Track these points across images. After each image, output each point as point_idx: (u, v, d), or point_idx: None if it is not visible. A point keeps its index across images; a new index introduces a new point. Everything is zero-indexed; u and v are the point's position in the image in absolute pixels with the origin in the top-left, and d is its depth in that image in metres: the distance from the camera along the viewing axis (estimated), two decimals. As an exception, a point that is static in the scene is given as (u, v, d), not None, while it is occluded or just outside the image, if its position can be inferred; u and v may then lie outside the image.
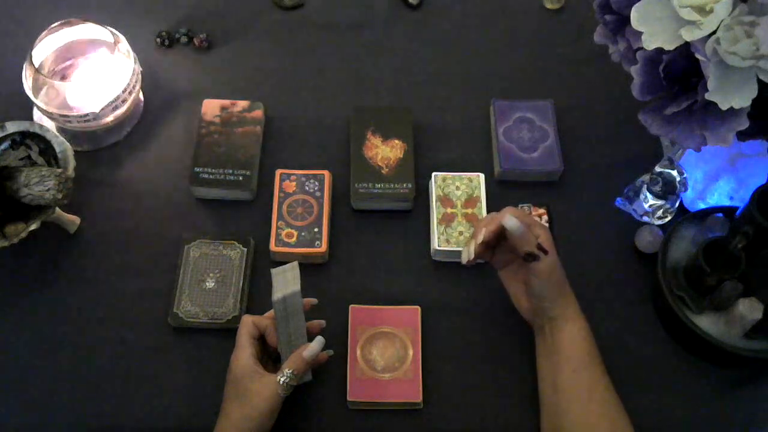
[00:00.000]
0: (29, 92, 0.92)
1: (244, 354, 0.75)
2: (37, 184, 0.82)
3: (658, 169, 0.87)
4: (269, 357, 0.79)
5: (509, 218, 0.74)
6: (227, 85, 1.03)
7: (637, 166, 0.91)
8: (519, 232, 0.74)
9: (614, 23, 0.78)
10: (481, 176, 0.93)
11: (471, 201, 0.91)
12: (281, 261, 0.82)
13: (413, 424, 0.81)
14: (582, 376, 0.75)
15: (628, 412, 0.75)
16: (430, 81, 1.04)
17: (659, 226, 0.89)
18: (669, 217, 0.89)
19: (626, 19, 0.73)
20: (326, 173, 0.93)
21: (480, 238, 0.77)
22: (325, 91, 1.03)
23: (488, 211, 0.90)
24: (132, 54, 0.95)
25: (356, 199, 0.92)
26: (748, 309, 0.76)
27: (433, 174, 0.93)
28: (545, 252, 0.74)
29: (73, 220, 0.90)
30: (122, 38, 0.95)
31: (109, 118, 0.94)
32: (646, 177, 0.88)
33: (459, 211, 0.91)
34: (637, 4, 0.71)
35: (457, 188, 0.92)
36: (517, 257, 0.79)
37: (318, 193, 0.92)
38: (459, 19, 1.10)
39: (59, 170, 0.83)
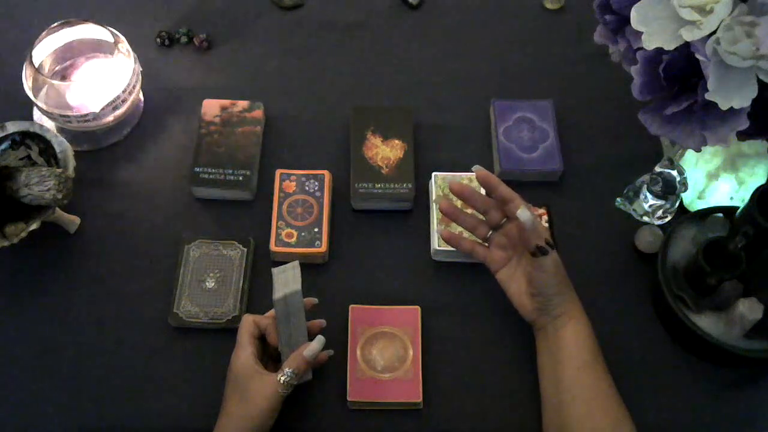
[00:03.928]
0: (29, 92, 0.92)
1: (244, 353, 0.75)
2: (37, 184, 0.82)
3: (658, 169, 0.87)
4: (270, 356, 0.79)
5: (524, 210, 0.74)
6: (227, 85, 1.03)
7: (637, 166, 0.91)
8: (532, 225, 0.74)
9: (614, 23, 0.78)
10: (481, 176, 0.93)
11: (471, 201, 0.91)
12: (281, 261, 0.82)
13: (413, 424, 0.81)
14: (586, 373, 0.75)
15: (628, 412, 0.75)
16: (430, 81, 1.04)
17: (659, 226, 0.89)
18: (669, 217, 0.89)
19: (626, 19, 0.73)
20: (326, 173, 0.93)
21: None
22: (325, 91, 1.03)
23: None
24: (132, 54, 0.95)
25: (356, 199, 0.92)
26: (748, 309, 0.76)
27: (433, 174, 0.93)
28: (553, 247, 0.75)
29: (73, 220, 0.90)
30: (122, 38, 0.95)
31: (109, 118, 0.94)
32: (646, 177, 0.88)
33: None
34: (637, 4, 0.71)
35: (457, 188, 0.92)
36: (512, 257, 0.80)
37: (318, 193, 0.92)
38: (459, 19, 1.10)
39: (59, 170, 0.83)
